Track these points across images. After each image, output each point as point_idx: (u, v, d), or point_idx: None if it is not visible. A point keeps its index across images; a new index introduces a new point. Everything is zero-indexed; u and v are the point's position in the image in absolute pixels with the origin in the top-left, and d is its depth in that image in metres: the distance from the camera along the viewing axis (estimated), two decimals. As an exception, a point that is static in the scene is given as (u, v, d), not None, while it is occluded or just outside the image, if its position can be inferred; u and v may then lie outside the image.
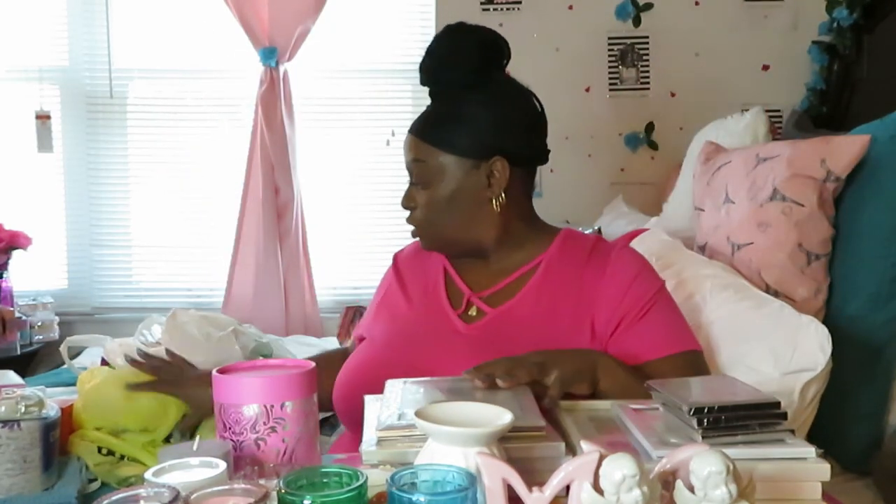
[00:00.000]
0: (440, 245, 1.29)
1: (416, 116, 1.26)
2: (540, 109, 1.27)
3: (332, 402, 1.25)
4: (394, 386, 0.99)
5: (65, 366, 1.60)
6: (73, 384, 1.47)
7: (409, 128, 1.26)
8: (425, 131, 1.24)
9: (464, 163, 1.21)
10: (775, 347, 1.33)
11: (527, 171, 1.27)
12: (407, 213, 1.27)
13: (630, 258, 1.24)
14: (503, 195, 1.22)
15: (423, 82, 1.27)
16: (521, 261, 1.26)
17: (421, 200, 1.24)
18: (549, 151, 1.29)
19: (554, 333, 1.15)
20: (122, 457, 1.00)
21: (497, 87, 1.24)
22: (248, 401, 0.83)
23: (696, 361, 1.18)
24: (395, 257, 1.41)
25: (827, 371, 1.31)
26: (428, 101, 1.27)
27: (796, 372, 1.31)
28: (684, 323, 1.23)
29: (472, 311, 1.24)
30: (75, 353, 2.35)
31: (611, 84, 3.03)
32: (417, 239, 1.30)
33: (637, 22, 3.01)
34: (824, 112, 2.83)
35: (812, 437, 1.17)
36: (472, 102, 1.22)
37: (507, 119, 1.22)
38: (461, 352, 1.15)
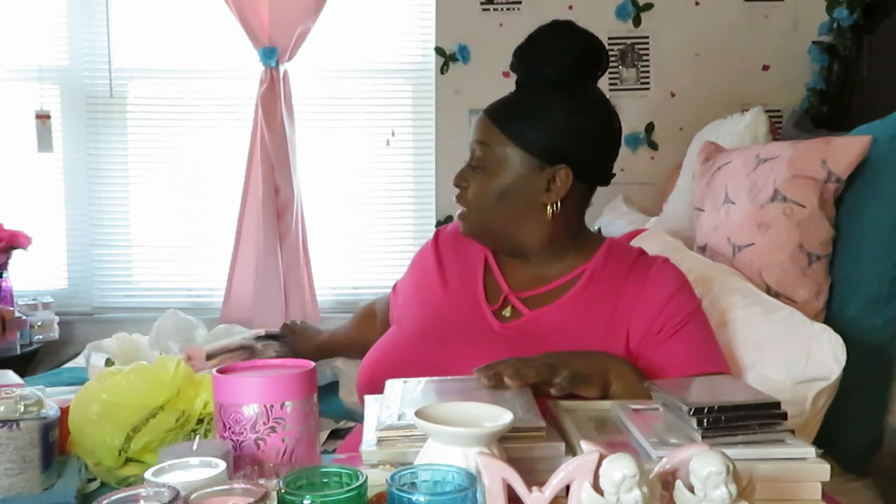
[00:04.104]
0: (481, 233, 1.25)
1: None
2: (619, 132, 1.24)
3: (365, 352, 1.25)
4: (394, 386, 0.99)
5: (65, 365, 1.60)
6: (73, 384, 1.48)
7: (484, 108, 1.23)
8: (500, 117, 1.20)
9: (529, 160, 1.19)
10: (788, 356, 1.31)
11: (587, 188, 1.24)
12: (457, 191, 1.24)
13: (671, 273, 1.22)
14: (559, 204, 1.19)
15: (513, 67, 1.24)
16: (563, 269, 1.23)
17: (474, 184, 1.22)
18: (613, 175, 1.26)
19: (587, 342, 1.13)
20: (126, 458, 0.99)
21: (585, 95, 1.21)
22: (248, 401, 0.83)
23: None
24: (437, 234, 1.38)
25: (839, 379, 1.29)
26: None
27: (809, 381, 1.29)
28: (716, 344, 1.20)
29: (507, 311, 1.23)
30: (75, 353, 2.35)
31: (611, 84, 3.02)
32: (460, 221, 1.26)
33: (637, 22, 3.01)
34: (824, 112, 2.82)
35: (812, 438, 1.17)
36: (555, 103, 1.18)
37: (585, 130, 1.19)
38: (491, 350, 1.11)
